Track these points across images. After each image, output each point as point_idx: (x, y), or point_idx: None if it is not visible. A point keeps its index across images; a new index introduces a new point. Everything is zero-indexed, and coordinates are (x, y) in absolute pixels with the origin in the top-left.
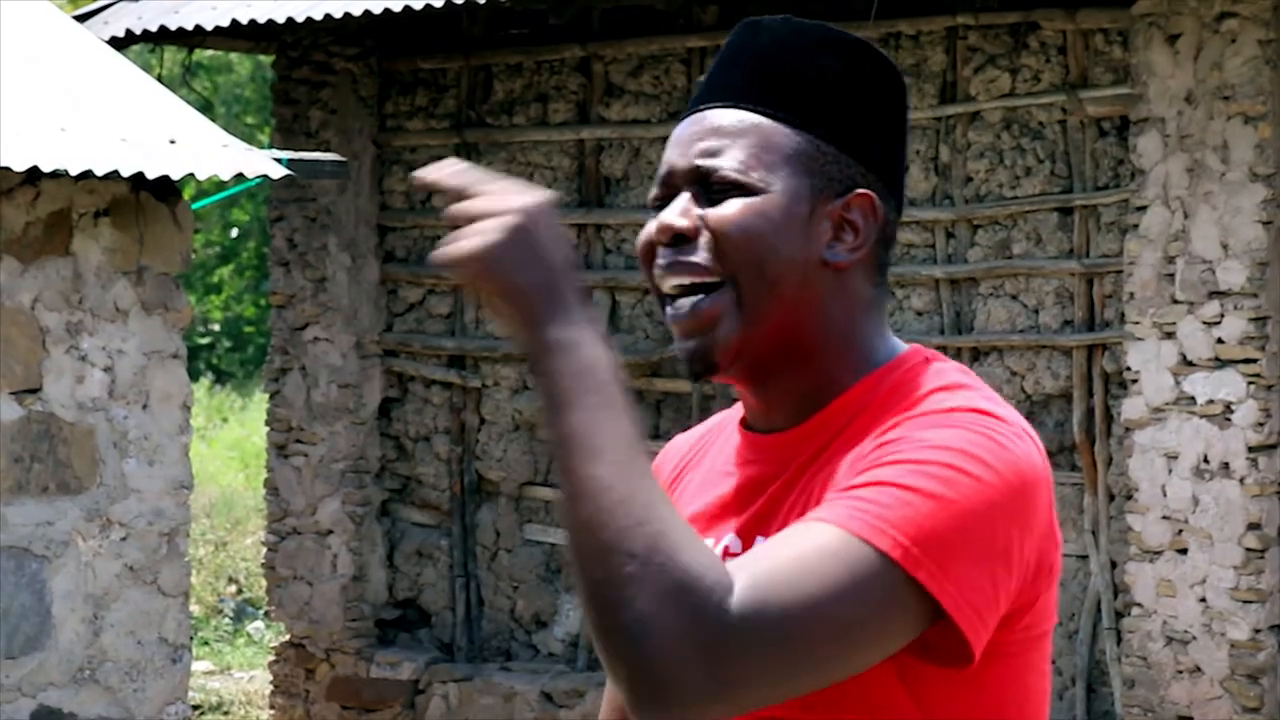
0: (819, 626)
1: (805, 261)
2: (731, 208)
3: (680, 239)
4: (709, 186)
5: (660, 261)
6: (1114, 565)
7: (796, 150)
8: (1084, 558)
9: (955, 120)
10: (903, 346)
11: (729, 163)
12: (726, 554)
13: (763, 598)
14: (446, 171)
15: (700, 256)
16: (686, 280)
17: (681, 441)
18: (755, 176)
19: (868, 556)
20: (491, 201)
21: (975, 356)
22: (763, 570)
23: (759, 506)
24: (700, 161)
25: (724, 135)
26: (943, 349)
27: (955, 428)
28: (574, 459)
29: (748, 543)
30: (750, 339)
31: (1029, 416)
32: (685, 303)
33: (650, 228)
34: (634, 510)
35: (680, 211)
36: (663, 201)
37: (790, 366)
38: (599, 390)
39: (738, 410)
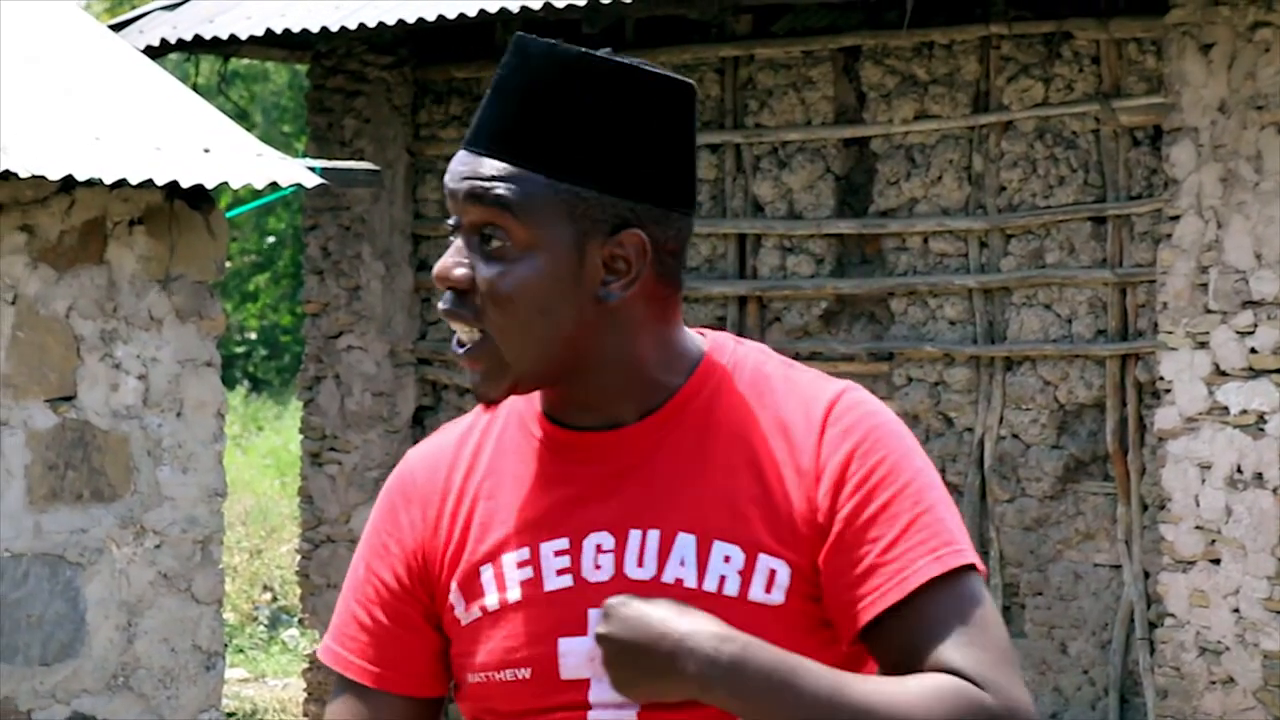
0: (1012, 656)
1: (578, 308)
2: (496, 272)
3: (456, 290)
4: (481, 233)
5: (442, 304)
6: (1147, 575)
7: (557, 200)
8: (1117, 568)
9: (988, 130)
10: (701, 337)
11: (491, 216)
12: (599, 551)
13: (1004, 676)
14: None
15: (469, 311)
16: (460, 328)
17: (432, 450)
18: (518, 232)
19: (967, 576)
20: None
21: (1008, 366)
22: (987, 650)
23: (627, 500)
24: (471, 210)
25: (492, 182)
26: (975, 359)
27: (878, 426)
28: None
29: (621, 538)
30: (521, 378)
31: (1061, 427)
32: (465, 340)
33: (439, 265)
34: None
35: (455, 262)
36: (453, 226)
37: (579, 383)
38: (801, 667)
39: (503, 408)
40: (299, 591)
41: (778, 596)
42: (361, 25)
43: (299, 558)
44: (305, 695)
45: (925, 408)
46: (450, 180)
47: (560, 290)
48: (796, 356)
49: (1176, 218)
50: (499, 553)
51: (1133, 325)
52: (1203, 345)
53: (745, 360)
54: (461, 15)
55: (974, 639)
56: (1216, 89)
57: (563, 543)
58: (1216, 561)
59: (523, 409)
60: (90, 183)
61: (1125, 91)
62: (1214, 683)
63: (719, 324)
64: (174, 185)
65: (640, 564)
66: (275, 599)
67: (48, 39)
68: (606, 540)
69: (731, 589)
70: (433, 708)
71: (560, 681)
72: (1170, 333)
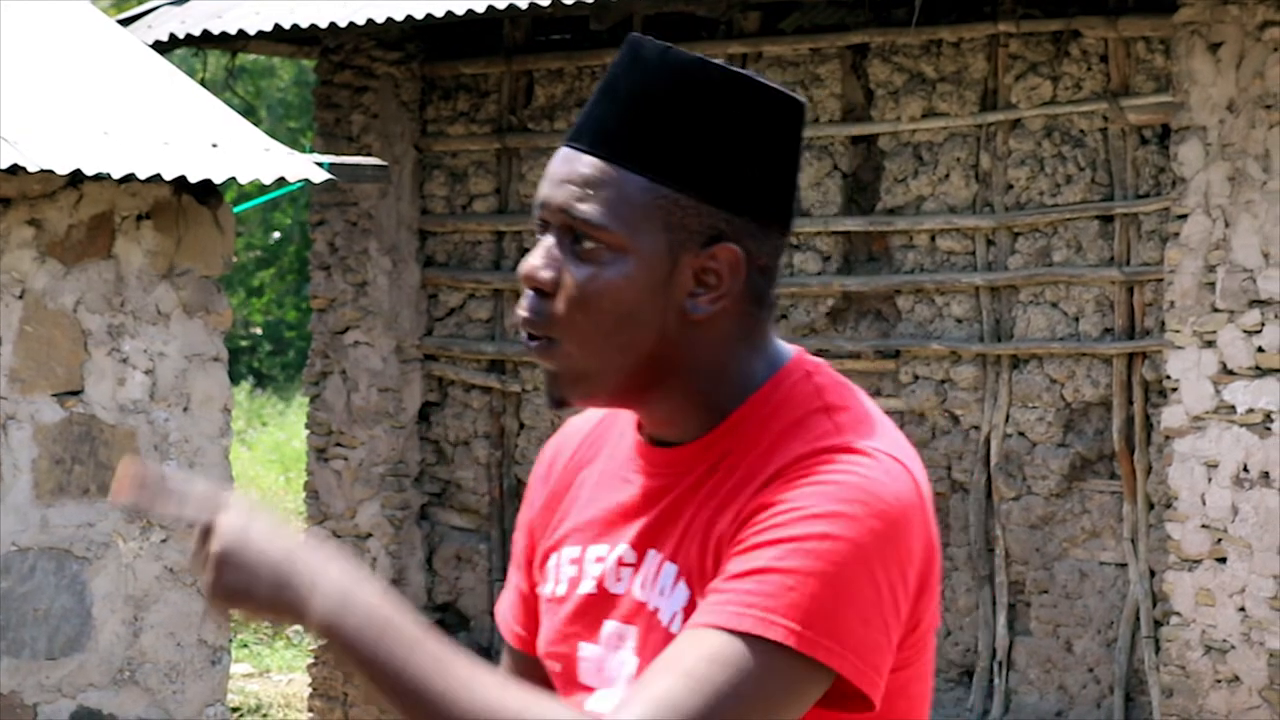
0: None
1: (664, 319)
2: (588, 277)
3: (540, 291)
4: (574, 234)
5: (523, 303)
6: (1153, 574)
7: (655, 205)
8: (1123, 566)
9: (996, 128)
10: (785, 357)
11: (586, 216)
12: (620, 564)
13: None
14: (128, 487)
15: (551, 312)
16: (538, 332)
17: (576, 429)
18: (612, 235)
19: (762, 651)
20: (203, 532)
21: (1015, 364)
22: (656, 697)
23: (653, 520)
24: (566, 208)
25: (586, 184)
26: (982, 357)
27: (824, 484)
28: (403, 698)
29: (641, 554)
30: (599, 386)
31: (1068, 425)
32: (534, 337)
33: (525, 262)
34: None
35: (544, 262)
36: (542, 226)
37: (656, 398)
38: (390, 632)
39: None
40: None
41: None
42: (369, 21)
43: None
44: (310, 690)
45: (931, 405)
46: (548, 179)
47: (648, 298)
48: None
49: (1184, 216)
50: (561, 544)
51: (1139, 324)
52: (1210, 344)
53: (794, 393)
54: (470, 11)
55: (680, 687)
56: (1225, 88)
57: (603, 549)
58: (1222, 560)
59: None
60: (98, 177)
61: (1133, 90)
62: (1219, 681)
63: None
64: (182, 180)
65: (643, 586)
66: None
67: (56, 34)
68: (629, 555)
69: (675, 628)
70: None
71: (578, 684)
72: (1177, 331)
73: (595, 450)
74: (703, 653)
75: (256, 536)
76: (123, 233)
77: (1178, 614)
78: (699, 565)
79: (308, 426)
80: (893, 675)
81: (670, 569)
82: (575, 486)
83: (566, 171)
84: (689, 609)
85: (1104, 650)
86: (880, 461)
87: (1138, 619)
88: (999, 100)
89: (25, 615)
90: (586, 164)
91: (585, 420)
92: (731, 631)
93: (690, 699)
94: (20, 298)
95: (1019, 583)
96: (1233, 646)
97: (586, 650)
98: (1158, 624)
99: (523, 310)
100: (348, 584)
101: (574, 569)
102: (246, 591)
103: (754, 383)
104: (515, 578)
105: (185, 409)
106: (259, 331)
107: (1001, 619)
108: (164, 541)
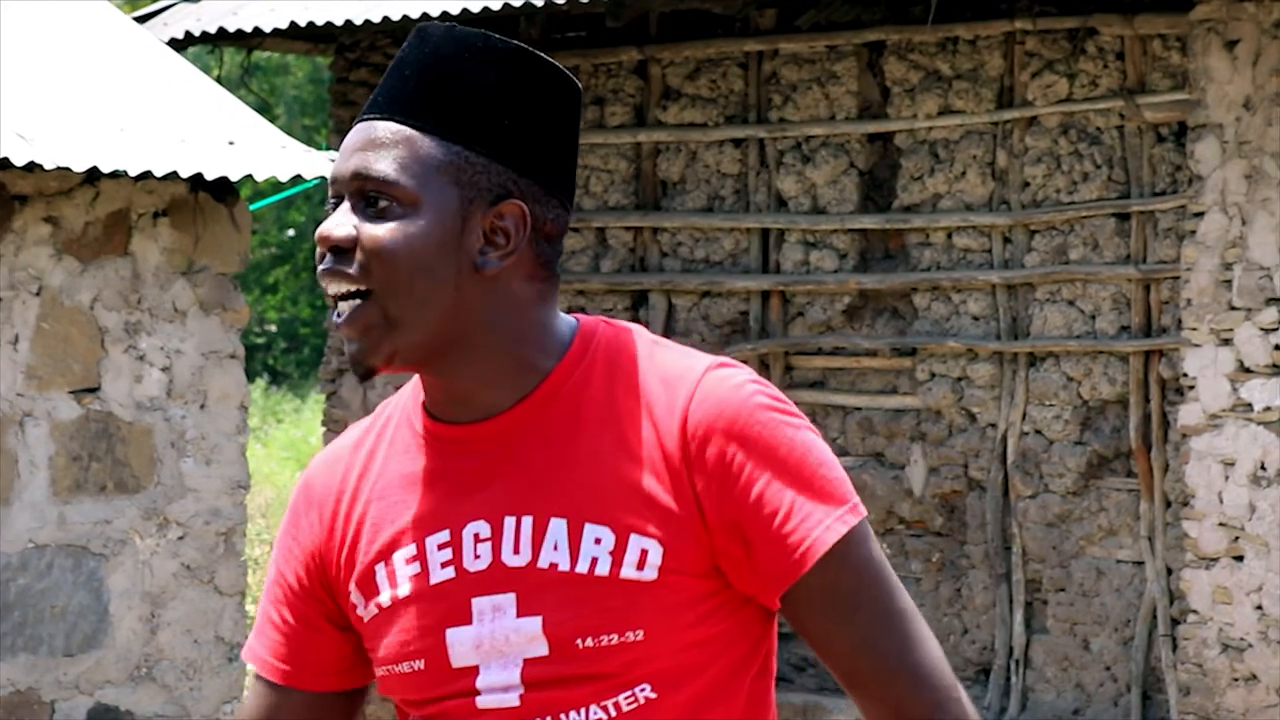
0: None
1: (457, 272)
2: (381, 229)
3: (338, 249)
4: (366, 197)
5: (321, 266)
6: (1170, 572)
7: (445, 162)
8: (1140, 564)
9: (1012, 125)
10: (574, 321)
11: (381, 174)
12: (477, 540)
13: (929, 672)
14: None
15: (353, 269)
16: (340, 288)
17: (325, 461)
18: (405, 190)
19: (865, 529)
20: None
21: (1031, 362)
22: (903, 656)
23: (504, 489)
24: (358, 170)
25: (379, 146)
26: (998, 354)
27: (740, 402)
28: None
29: (497, 525)
30: (402, 346)
31: (1085, 423)
32: (344, 307)
33: (321, 227)
34: None
35: (337, 223)
36: (335, 202)
37: (458, 363)
38: None
39: (396, 409)
40: None
41: (650, 574)
42: (385, 18)
43: None
44: None
45: (948, 403)
46: (341, 154)
47: (442, 252)
48: (819, 352)
49: (1201, 214)
50: (390, 551)
51: (1156, 321)
52: (1226, 342)
53: (614, 341)
54: (485, 9)
55: (901, 630)
56: (1241, 85)
57: (444, 535)
58: (1239, 558)
59: (409, 408)
60: (115, 174)
61: (1150, 87)
62: (1236, 679)
63: (742, 318)
64: (198, 177)
65: (516, 550)
66: None
67: (72, 31)
68: (484, 529)
69: (603, 569)
70: (345, 701)
71: (451, 670)
72: (1194, 329)
73: (371, 461)
74: (870, 577)
75: None
76: (139, 230)
77: (1195, 612)
78: (614, 510)
79: (324, 423)
80: None
81: (559, 524)
82: (374, 499)
83: (359, 140)
84: (619, 548)
85: (1121, 648)
86: (737, 364)
87: (1155, 617)
88: (1015, 98)
89: (43, 612)
90: (379, 129)
91: (336, 448)
92: (844, 538)
93: (913, 625)
94: (37, 295)
95: (1036, 581)
96: (1250, 644)
97: (458, 634)
98: (1175, 622)
99: (324, 270)
100: None
101: (415, 566)
102: None
103: (561, 343)
104: (278, 613)
105: (202, 406)
106: (274, 329)
107: (1018, 617)
108: (181, 539)
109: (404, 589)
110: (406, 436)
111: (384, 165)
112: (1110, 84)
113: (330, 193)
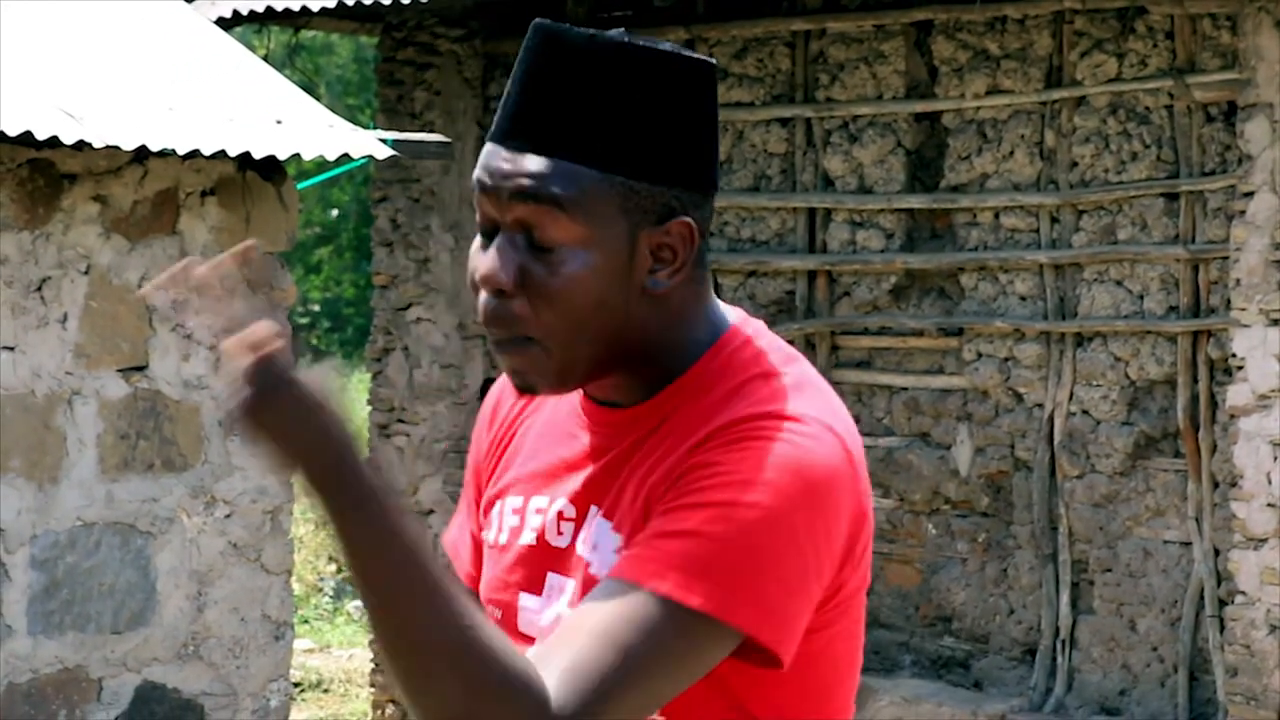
0: (637, 694)
1: (627, 300)
2: (555, 275)
3: (501, 291)
4: (529, 233)
5: (484, 308)
6: (1217, 553)
7: (611, 194)
8: (1187, 545)
9: (1061, 105)
10: (726, 322)
11: (546, 215)
12: (561, 518)
13: (579, 690)
14: (171, 284)
15: (519, 313)
16: (506, 334)
17: (510, 390)
18: (574, 230)
19: (680, 615)
20: (234, 350)
21: (1079, 342)
22: (571, 661)
23: (593, 476)
24: (517, 208)
25: (542, 181)
26: (1046, 334)
27: (755, 450)
28: (377, 598)
29: (581, 510)
30: (569, 374)
31: (1132, 403)
32: (505, 339)
33: (476, 265)
34: (444, 612)
35: (501, 263)
36: (486, 229)
37: (617, 371)
38: (390, 537)
39: None
40: None
41: None
42: None
43: None
44: (373, 666)
45: (995, 383)
46: (489, 178)
47: (613, 285)
48: (865, 332)
49: (1250, 194)
50: (505, 493)
51: (1205, 302)
52: (1275, 322)
53: (737, 361)
54: None
55: (593, 647)
56: None
57: (544, 501)
58: None
59: None
60: (163, 153)
61: (1199, 67)
62: None
63: (788, 298)
64: (246, 156)
65: (584, 541)
66: (340, 570)
67: (120, 10)
68: (569, 510)
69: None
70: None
71: (517, 632)
72: (1243, 309)
73: (539, 401)
74: (620, 612)
75: (301, 375)
76: (187, 209)
77: (1242, 593)
78: (630, 521)
79: (369, 403)
80: (813, 636)
81: (604, 525)
82: (519, 436)
83: (513, 168)
84: None
85: (1168, 629)
86: (810, 427)
87: (1202, 598)
88: (1064, 77)
89: (91, 589)
90: (533, 161)
91: None
92: (649, 591)
93: (603, 662)
94: (85, 273)
95: (1082, 561)
96: None
97: (527, 600)
98: (1222, 603)
99: (486, 315)
100: (359, 458)
101: (516, 519)
102: (273, 417)
103: (699, 349)
104: (464, 518)
105: None
106: (317, 308)
107: (1065, 597)
108: (228, 517)
109: (504, 536)
110: (569, 394)
111: (546, 203)
112: (1160, 63)
113: (483, 217)
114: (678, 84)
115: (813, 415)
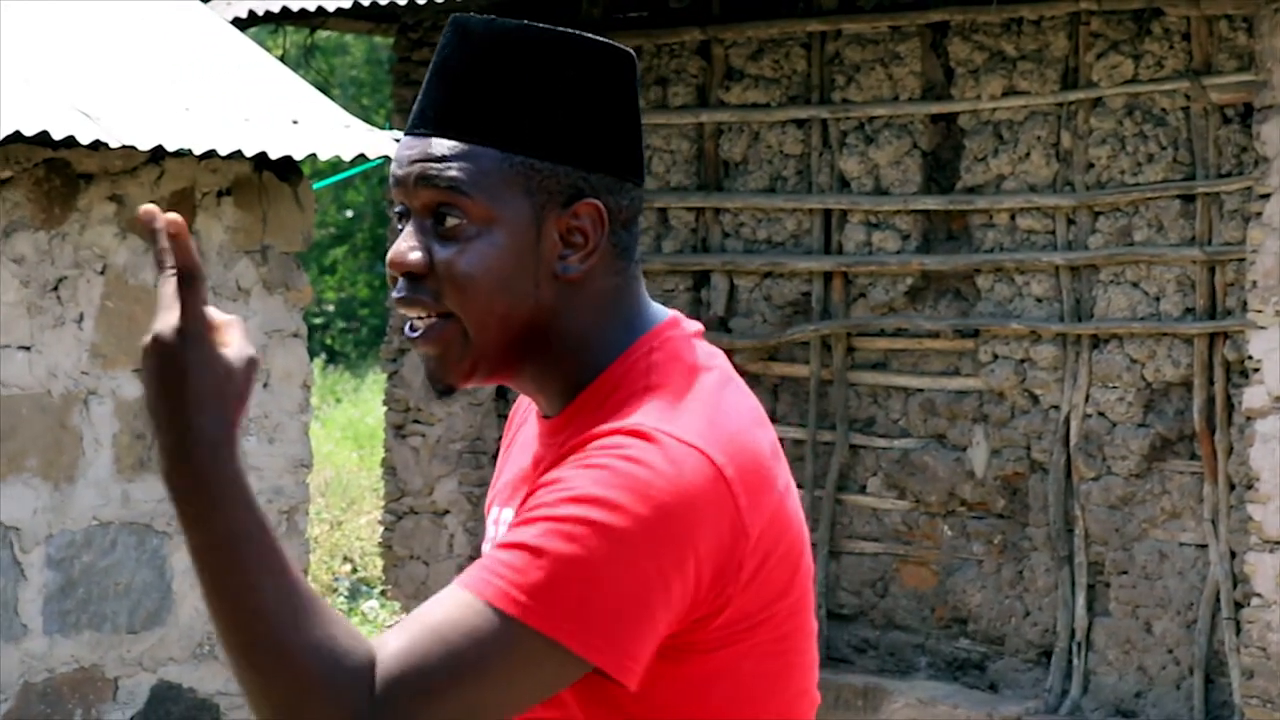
0: (451, 695)
1: (536, 284)
2: (458, 254)
3: (412, 275)
4: (437, 216)
5: (396, 293)
6: (1233, 555)
7: (513, 173)
8: (1203, 547)
9: (1077, 106)
10: (648, 326)
11: (450, 197)
12: (498, 524)
13: (396, 678)
14: (159, 225)
15: (429, 294)
16: (419, 314)
17: (519, 406)
18: (477, 207)
19: (500, 622)
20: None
21: (1095, 344)
22: (398, 649)
23: (531, 486)
24: (423, 192)
25: (445, 162)
26: (1062, 336)
27: (599, 468)
28: (208, 573)
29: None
30: (481, 360)
31: (1148, 405)
32: (421, 324)
33: (392, 251)
34: (267, 604)
35: (409, 247)
36: (400, 214)
37: (534, 368)
38: (225, 504)
39: None
40: (379, 563)
41: None
42: None
43: (381, 529)
44: None
45: (1011, 385)
46: (397, 166)
47: (520, 266)
48: (881, 333)
49: (1267, 196)
50: (491, 505)
51: (1221, 304)
52: None
53: (631, 373)
54: None
55: (423, 637)
56: None
57: (505, 512)
58: None
59: None
60: (179, 153)
61: (1216, 68)
62: None
63: (804, 299)
64: (262, 156)
65: None
66: (355, 570)
67: (137, 10)
68: (509, 515)
69: None
70: None
71: None
72: (1259, 311)
73: (524, 423)
74: (450, 613)
75: (220, 350)
76: (204, 209)
77: (1258, 595)
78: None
79: (385, 403)
80: (704, 657)
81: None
82: (506, 451)
83: (418, 154)
84: None
85: (1184, 631)
86: (666, 448)
87: (1218, 600)
88: (1080, 79)
89: (107, 589)
90: (437, 145)
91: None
92: (479, 596)
93: (429, 656)
94: (101, 273)
95: (1098, 563)
96: None
97: None
98: (1238, 605)
99: (400, 300)
100: (234, 452)
101: (493, 529)
102: (171, 382)
103: (613, 352)
104: None
105: (265, 385)
106: (332, 309)
107: (1080, 599)
108: None
109: (485, 546)
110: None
111: (448, 186)
112: (1176, 65)
113: (396, 204)
114: (582, 66)
115: (674, 433)
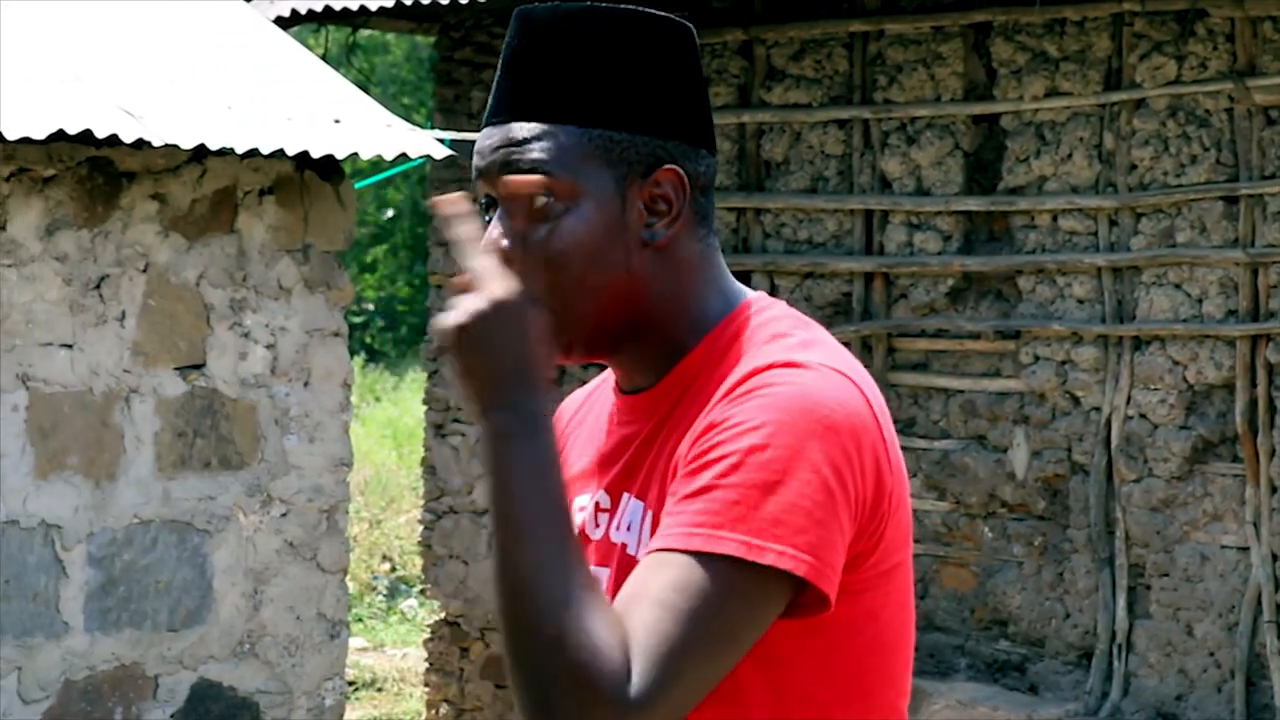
0: (707, 661)
1: (627, 254)
2: (549, 232)
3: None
4: (525, 201)
5: None
6: (1275, 558)
7: (593, 148)
8: (1245, 550)
9: (1120, 107)
10: (740, 297)
11: (540, 166)
12: (598, 509)
13: (650, 665)
14: (454, 211)
15: (522, 278)
16: None
17: (573, 399)
18: (563, 183)
19: (717, 569)
20: (477, 281)
21: (1137, 345)
22: (643, 631)
23: (625, 464)
24: (507, 178)
25: (525, 144)
26: (1103, 338)
27: (763, 397)
28: (507, 542)
29: (615, 498)
30: (576, 339)
31: (1190, 407)
32: None
33: (483, 241)
34: (553, 594)
35: (500, 231)
36: (485, 205)
37: (629, 341)
38: (538, 480)
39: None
40: (419, 562)
41: None
42: None
43: (421, 528)
44: (427, 665)
45: (1052, 386)
46: (479, 158)
47: (610, 237)
48: (922, 334)
49: None
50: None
51: (1264, 306)
52: None
53: (749, 330)
54: None
55: (656, 618)
56: None
57: (585, 498)
58: None
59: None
60: (222, 152)
61: (1260, 70)
62: None
63: (845, 300)
64: (304, 155)
65: (618, 527)
66: (394, 569)
67: (181, 9)
68: (605, 500)
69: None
70: None
71: None
72: None
73: (587, 413)
74: (665, 580)
75: (516, 328)
76: (245, 208)
77: None
78: (661, 497)
79: (425, 402)
80: (855, 598)
81: (637, 506)
82: (569, 444)
83: (499, 140)
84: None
85: (1225, 634)
86: (820, 373)
87: (1259, 603)
88: (1123, 80)
89: (147, 587)
90: (516, 129)
91: (580, 392)
92: (684, 552)
93: (670, 628)
94: (144, 271)
95: (1139, 565)
96: None
97: None
98: None
99: None
100: (534, 416)
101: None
102: (474, 355)
103: (710, 322)
104: None
105: (306, 384)
106: (371, 307)
107: (1121, 602)
108: (284, 516)
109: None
110: (605, 397)
111: (535, 157)
112: (1220, 66)
113: (480, 194)
114: (648, 39)
115: (823, 363)
